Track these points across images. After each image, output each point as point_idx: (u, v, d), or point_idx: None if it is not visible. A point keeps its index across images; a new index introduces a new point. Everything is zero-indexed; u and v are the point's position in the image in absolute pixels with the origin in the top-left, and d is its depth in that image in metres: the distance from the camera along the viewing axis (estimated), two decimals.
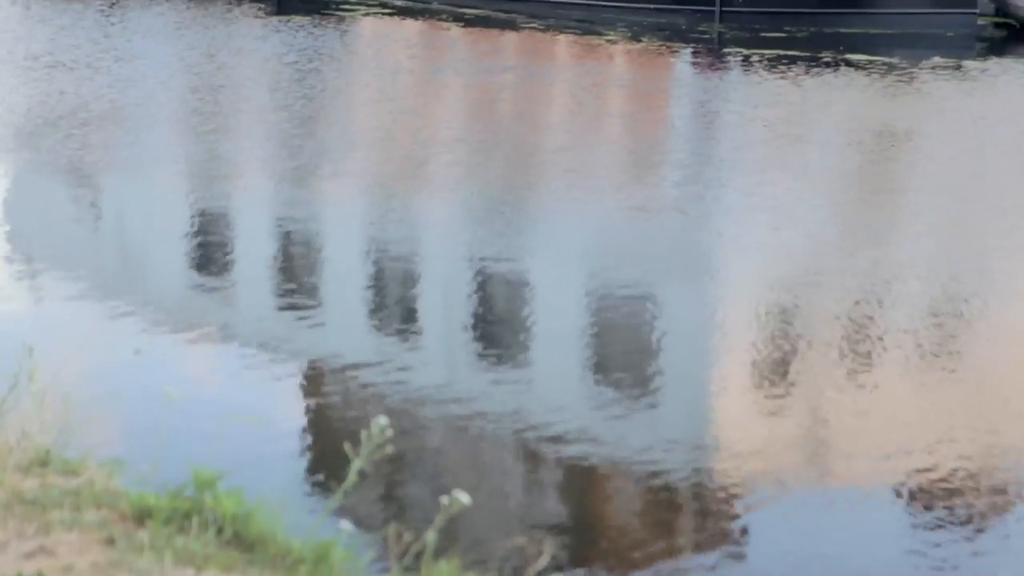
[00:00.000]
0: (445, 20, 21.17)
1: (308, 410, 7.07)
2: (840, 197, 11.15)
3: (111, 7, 22.48)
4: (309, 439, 6.72)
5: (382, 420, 3.78)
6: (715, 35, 19.72)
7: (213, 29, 20.00)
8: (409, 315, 8.41)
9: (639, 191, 11.41)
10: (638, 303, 8.60)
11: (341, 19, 21.17)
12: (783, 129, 13.67)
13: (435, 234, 10.23)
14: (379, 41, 20.05)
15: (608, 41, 19.12)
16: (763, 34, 19.38)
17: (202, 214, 10.64)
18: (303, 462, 6.46)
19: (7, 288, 8.65)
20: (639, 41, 19.14)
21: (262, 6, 22.56)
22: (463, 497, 3.61)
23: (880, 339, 7.90)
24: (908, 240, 9.99)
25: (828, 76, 16.49)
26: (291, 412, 6.98)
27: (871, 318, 8.27)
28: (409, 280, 9.14)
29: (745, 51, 18.11)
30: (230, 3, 23.03)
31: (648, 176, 12.05)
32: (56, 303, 8.39)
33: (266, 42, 18.80)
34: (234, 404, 6.92)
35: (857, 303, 8.49)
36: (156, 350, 7.51)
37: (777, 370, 7.46)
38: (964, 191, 11.30)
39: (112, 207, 11.13)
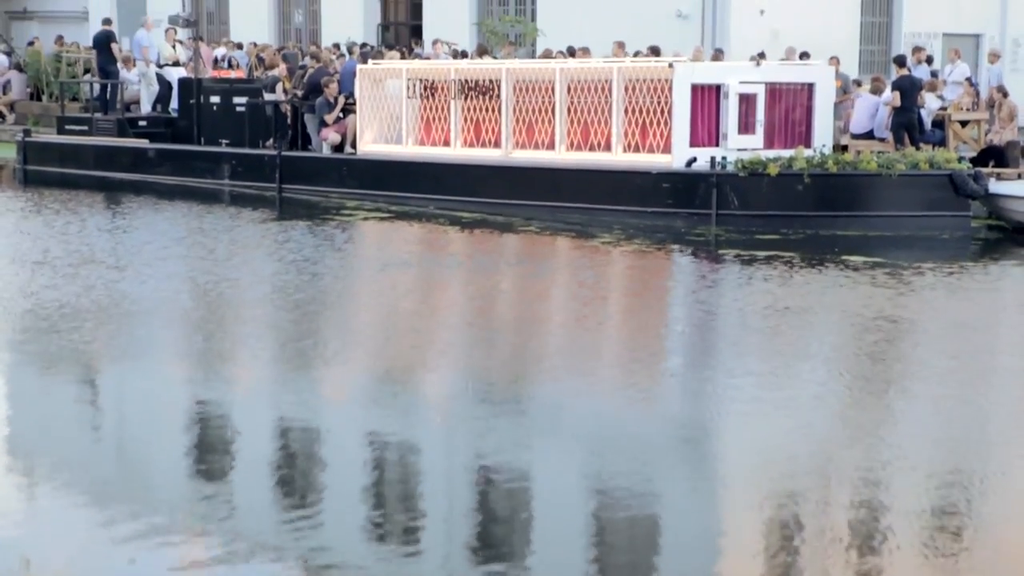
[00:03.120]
0: (442, 223, 21.42)
1: None
2: (842, 389, 11.14)
3: (124, 213, 22.82)
4: None
5: None
6: (712, 237, 19.93)
7: (221, 232, 20.27)
8: (408, 515, 8.30)
9: (641, 383, 11.43)
10: (640, 501, 8.50)
11: (341, 223, 21.44)
12: (783, 323, 13.74)
13: (434, 429, 10.20)
14: (379, 243, 20.29)
15: (604, 243, 19.30)
16: (759, 236, 19.59)
17: (203, 412, 10.61)
18: None
19: (5, 494, 8.54)
20: (634, 242, 19.33)
21: (265, 211, 22.89)
22: None
23: (887, 537, 7.79)
24: (912, 433, 9.94)
25: (825, 275, 16.61)
26: None
27: (877, 513, 8.17)
28: (408, 478, 9.06)
29: (742, 252, 18.28)
30: (234, 207, 23.38)
31: (649, 368, 12.08)
32: (54, 509, 8.27)
33: (272, 243, 19.04)
34: None
35: (865, 497, 8.40)
36: (151, 559, 7.38)
37: (784, 572, 7.34)
38: (966, 387, 11.28)
39: (116, 404, 11.12)
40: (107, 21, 32.64)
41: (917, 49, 27.45)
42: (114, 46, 30.78)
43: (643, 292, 16.65)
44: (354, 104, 25.00)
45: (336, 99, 25.01)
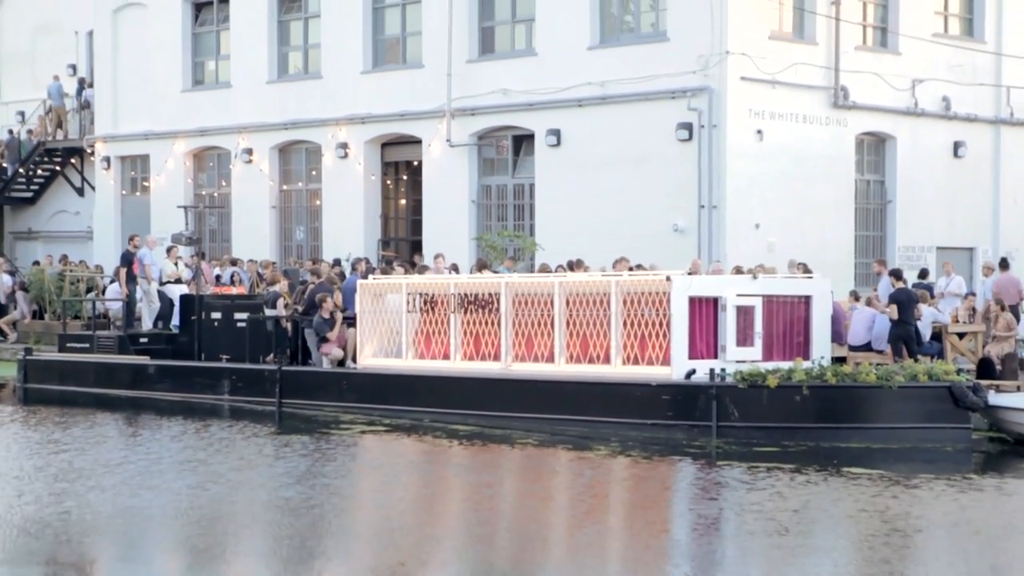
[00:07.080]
0: (440, 436, 21.35)
1: None
2: None
3: (122, 428, 22.80)
4: None
5: None
6: (712, 449, 19.83)
7: (221, 446, 20.22)
8: None
9: None
10: None
11: (340, 436, 21.40)
12: (783, 532, 13.60)
13: None
14: (380, 455, 20.19)
15: (602, 456, 19.21)
16: (759, 448, 19.50)
17: None
18: None
19: None
20: (632, 455, 19.23)
21: (266, 426, 22.87)
22: None
23: None
24: None
25: (826, 487, 16.50)
26: None
27: None
28: None
29: (742, 464, 18.17)
30: (234, 422, 23.36)
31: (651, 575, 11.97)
32: None
33: (273, 458, 19.02)
34: None
35: None
36: None
37: None
38: None
39: None
40: (130, 239, 32.13)
41: (890, 270, 27.59)
42: (121, 270, 30.40)
43: (643, 502, 16.50)
44: (353, 318, 25.16)
45: (332, 315, 25.17)
